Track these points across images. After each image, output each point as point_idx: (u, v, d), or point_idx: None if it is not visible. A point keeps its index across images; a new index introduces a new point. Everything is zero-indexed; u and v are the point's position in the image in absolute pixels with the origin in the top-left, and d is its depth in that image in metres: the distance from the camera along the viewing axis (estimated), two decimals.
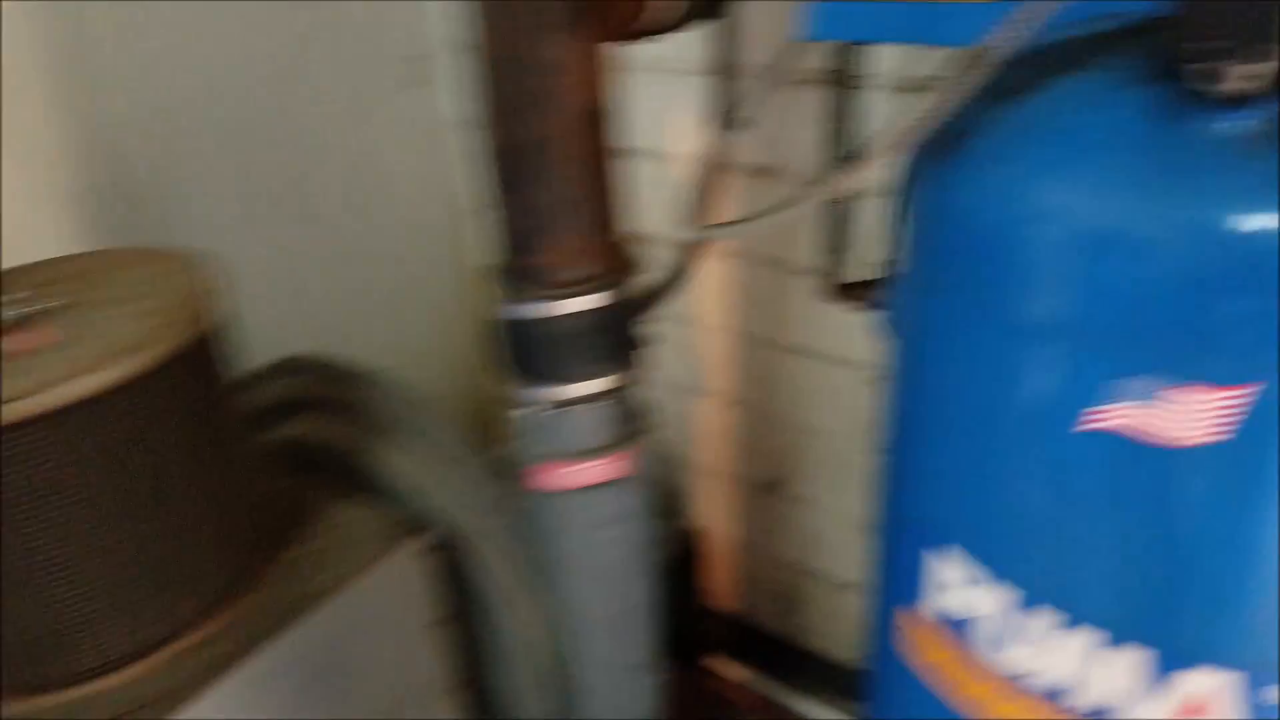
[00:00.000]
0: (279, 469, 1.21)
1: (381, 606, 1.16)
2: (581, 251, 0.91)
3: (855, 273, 1.23)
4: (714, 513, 2.05)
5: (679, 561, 1.95)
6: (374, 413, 1.25)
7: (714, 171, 1.17)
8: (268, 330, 1.32)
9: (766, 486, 1.93)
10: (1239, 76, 0.59)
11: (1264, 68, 0.59)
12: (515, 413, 1.02)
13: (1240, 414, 0.64)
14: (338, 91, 1.70)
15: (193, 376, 0.99)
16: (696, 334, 1.86)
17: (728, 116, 1.38)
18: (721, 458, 1.97)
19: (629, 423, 1.02)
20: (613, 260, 0.94)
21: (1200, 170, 0.63)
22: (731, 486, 1.99)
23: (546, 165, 0.87)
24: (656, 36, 0.95)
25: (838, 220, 1.21)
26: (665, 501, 2.11)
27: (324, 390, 1.32)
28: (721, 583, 2.12)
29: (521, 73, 0.84)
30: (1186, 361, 0.64)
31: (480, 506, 1.21)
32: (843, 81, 1.10)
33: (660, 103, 1.64)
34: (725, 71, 1.26)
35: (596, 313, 0.92)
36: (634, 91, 1.67)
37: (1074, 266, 0.68)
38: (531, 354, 0.94)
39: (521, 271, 0.92)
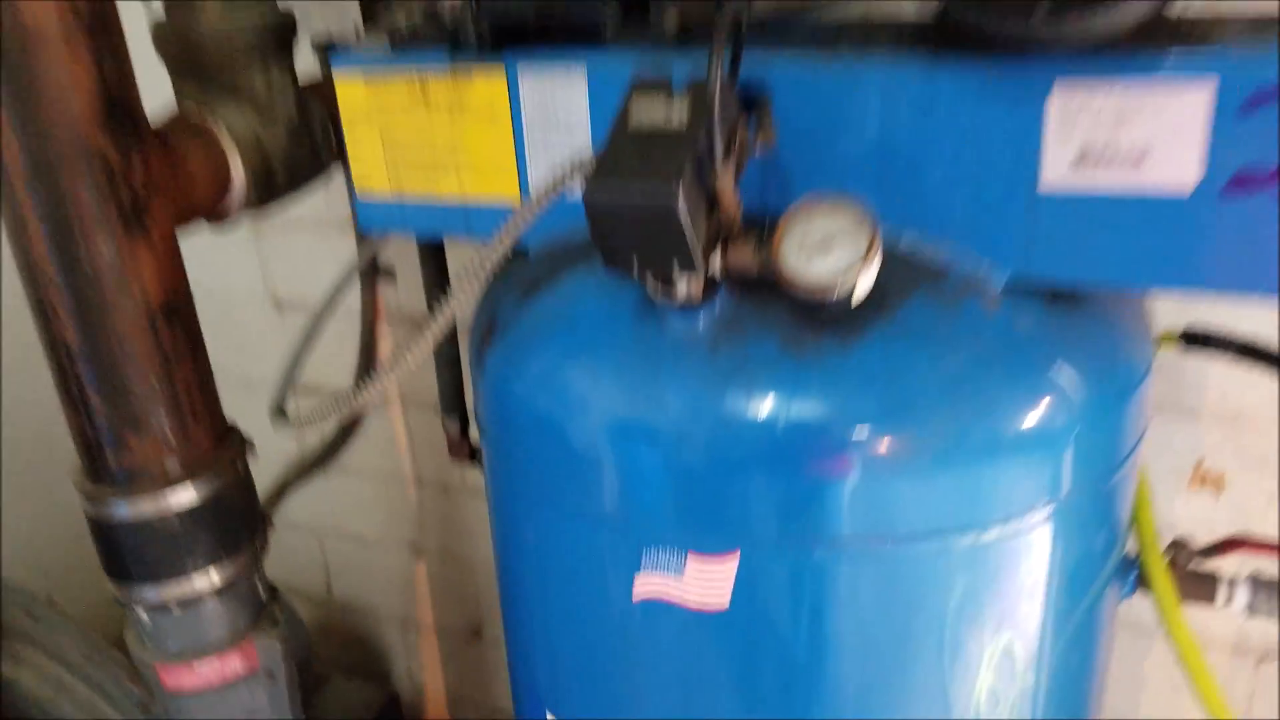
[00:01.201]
0: None
1: None
2: (166, 445, 0.90)
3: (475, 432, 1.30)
4: (423, 667, 2.01)
5: None
6: None
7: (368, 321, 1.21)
8: None
9: (470, 633, 1.92)
10: (673, 288, 0.70)
11: (691, 285, 0.70)
12: (129, 612, 0.97)
13: (730, 580, 0.73)
14: None
15: None
16: (374, 485, 1.86)
17: (370, 267, 1.42)
18: (420, 609, 1.94)
19: (252, 613, 0.99)
20: (208, 448, 0.93)
21: (667, 365, 0.73)
22: (436, 638, 1.96)
23: (114, 365, 0.86)
24: (233, 217, 0.98)
25: (446, 380, 1.26)
26: (369, 661, 2.04)
27: None
28: None
29: (75, 273, 0.84)
30: (688, 533, 0.72)
31: (118, 714, 1.13)
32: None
33: (305, 256, 1.69)
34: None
35: (193, 507, 0.91)
36: (277, 246, 1.73)
37: (590, 449, 0.76)
38: (126, 553, 0.91)
39: (101, 471, 0.90)
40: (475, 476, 1.75)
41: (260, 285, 1.80)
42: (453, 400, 1.29)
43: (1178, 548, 0.96)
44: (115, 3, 0.85)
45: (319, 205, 1.61)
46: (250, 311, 1.82)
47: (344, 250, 1.63)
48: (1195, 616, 1.03)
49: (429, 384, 1.71)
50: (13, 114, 0.82)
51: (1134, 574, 0.94)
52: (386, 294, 1.41)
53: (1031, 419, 0.75)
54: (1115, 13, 0.60)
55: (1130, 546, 0.94)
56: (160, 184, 0.90)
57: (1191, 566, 0.97)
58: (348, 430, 1.85)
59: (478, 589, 1.87)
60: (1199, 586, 0.96)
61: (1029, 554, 0.79)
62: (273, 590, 1.03)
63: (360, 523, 1.93)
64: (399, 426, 1.79)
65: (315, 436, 1.89)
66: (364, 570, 1.97)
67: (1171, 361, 1.23)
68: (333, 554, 2.00)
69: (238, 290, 1.81)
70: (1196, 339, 1.00)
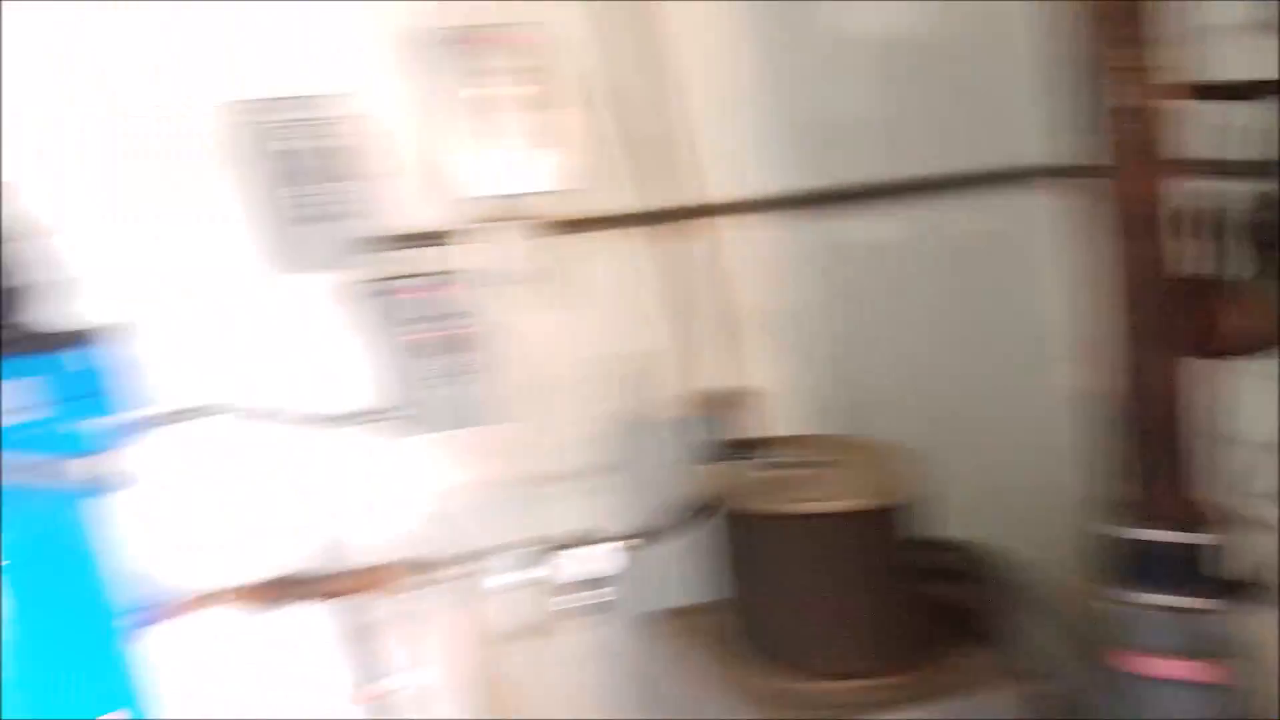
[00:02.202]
0: (930, 610, 1.76)
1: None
2: (1170, 500, 1.34)
3: None
4: None
5: None
6: (1003, 584, 1.75)
7: None
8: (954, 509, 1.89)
9: None
10: None
11: None
12: (1104, 603, 1.42)
13: None
14: (982, 364, 2.31)
15: (891, 523, 1.61)
16: None
17: None
18: None
19: (1222, 644, 1.35)
20: (1192, 514, 1.34)
21: None
22: None
23: (1150, 439, 1.35)
24: (1244, 356, 1.36)
25: None
26: None
27: (967, 562, 1.85)
28: None
29: (1136, 382, 1.34)
30: None
31: (1078, 671, 1.61)
32: None
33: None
34: None
35: (1182, 547, 1.32)
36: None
37: None
38: (1130, 565, 1.37)
39: (1130, 505, 1.38)
40: None
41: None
42: None
43: None
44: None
45: None
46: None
47: None
48: None
49: None
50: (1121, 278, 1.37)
51: None
52: None
53: None
54: None
55: None
56: (1194, 326, 1.35)
57: None
58: None
59: None
60: None
61: None
62: (1232, 637, 1.36)
63: None
64: None
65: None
66: None
67: None
68: None
69: None
70: None
